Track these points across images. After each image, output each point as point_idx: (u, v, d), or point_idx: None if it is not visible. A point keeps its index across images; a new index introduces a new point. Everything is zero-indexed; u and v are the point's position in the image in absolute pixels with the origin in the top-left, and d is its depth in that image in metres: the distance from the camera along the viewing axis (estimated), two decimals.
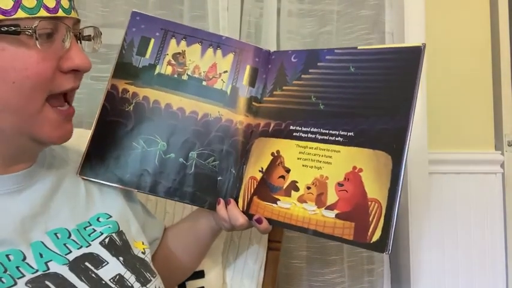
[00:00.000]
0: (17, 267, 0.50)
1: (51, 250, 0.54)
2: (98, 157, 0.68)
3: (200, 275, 0.87)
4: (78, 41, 0.58)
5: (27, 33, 0.49)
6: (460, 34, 1.34)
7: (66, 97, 0.58)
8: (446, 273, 1.29)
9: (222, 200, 0.70)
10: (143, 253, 0.64)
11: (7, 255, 0.50)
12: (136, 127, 0.70)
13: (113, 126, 0.70)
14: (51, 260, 0.53)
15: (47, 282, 0.50)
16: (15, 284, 0.48)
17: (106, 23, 1.12)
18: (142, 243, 0.66)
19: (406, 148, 0.60)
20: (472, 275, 1.30)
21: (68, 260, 0.54)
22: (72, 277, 0.52)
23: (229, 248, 0.93)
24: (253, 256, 0.91)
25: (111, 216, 0.64)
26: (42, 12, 0.50)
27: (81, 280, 0.52)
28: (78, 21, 0.58)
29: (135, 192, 0.73)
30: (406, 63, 0.64)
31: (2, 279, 0.47)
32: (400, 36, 1.28)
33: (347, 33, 1.25)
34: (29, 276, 0.50)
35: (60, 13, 0.52)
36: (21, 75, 0.50)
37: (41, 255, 0.53)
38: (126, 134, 0.70)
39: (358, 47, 0.70)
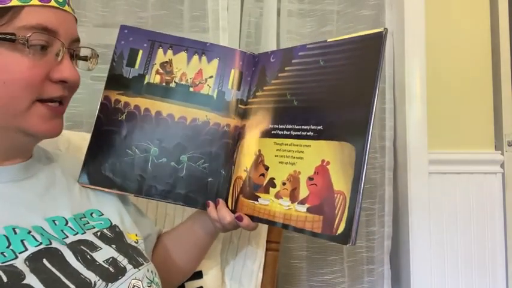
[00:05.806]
0: (22, 241, 0.52)
1: (49, 234, 0.57)
2: (95, 165, 0.72)
3: (198, 275, 0.87)
4: (74, 60, 0.62)
5: (20, 41, 0.54)
6: (460, 34, 1.34)
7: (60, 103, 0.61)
8: (446, 273, 1.29)
9: (211, 202, 0.73)
10: (136, 242, 0.67)
11: (14, 229, 0.53)
12: (129, 135, 0.74)
13: (108, 135, 0.73)
14: (52, 239, 0.56)
15: (45, 261, 0.52)
16: (16, 258, 0.50)
17: (106, 23, 1.12)
18: (136, 235, 0.69)
19: (369, 138, 0.59)
20: (472, 275, 1.30)
21: (66, 243, 0.57)
22: (70, 256, 0.55)
23: (228, 249, 0.94)
24: (251, 257, 0.91)
25: (103, 214, 0.67)
26: (35, 1, 0.55)
27: (77, 260, 0.55)
28: (77, 40, 0.62)
29: (132, 196, 0.75)
30: (368, 51, 0.63)
31: (4, 253, 0.50)
32: (400, 36, 1.28)
33: (347, 33, 1.24)
34: (31, 249, 0.52)
35: (53, 3, 0.57)
36: (12, 77, 0.55)
37: (42, 235, 0.55)
38: (120, 142, 0.73)
39: (328, 40, 0.70)
